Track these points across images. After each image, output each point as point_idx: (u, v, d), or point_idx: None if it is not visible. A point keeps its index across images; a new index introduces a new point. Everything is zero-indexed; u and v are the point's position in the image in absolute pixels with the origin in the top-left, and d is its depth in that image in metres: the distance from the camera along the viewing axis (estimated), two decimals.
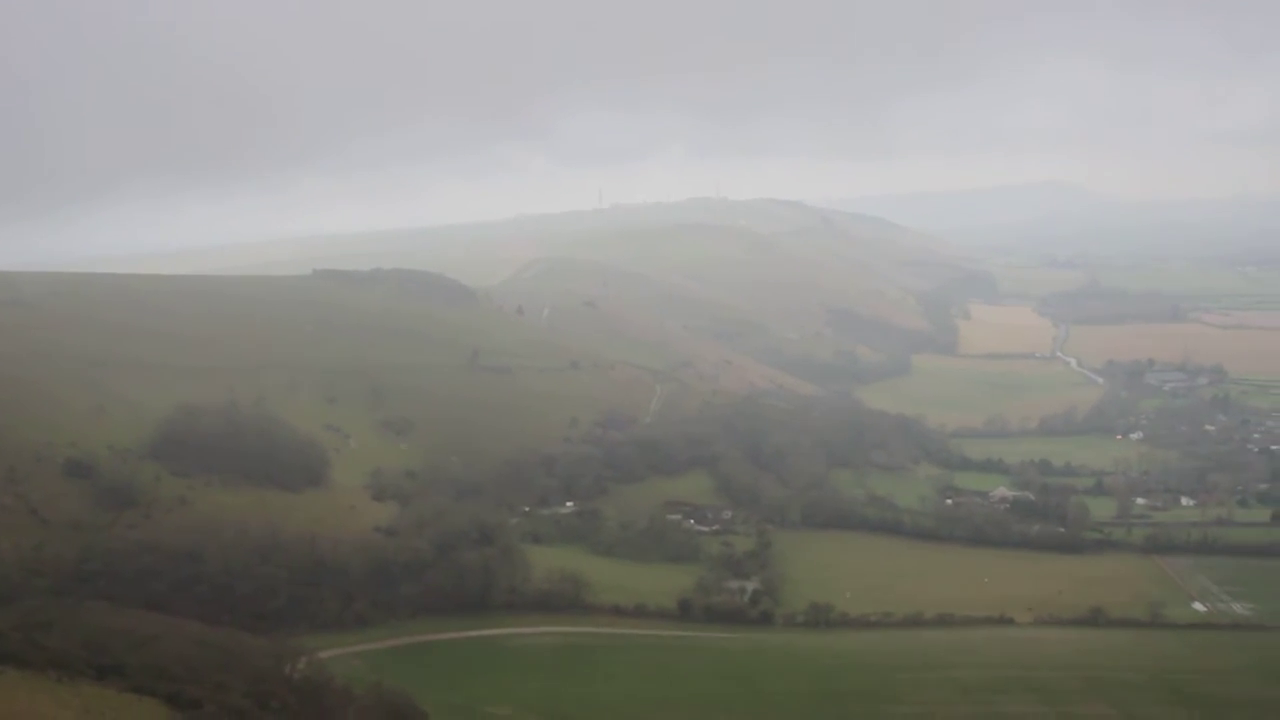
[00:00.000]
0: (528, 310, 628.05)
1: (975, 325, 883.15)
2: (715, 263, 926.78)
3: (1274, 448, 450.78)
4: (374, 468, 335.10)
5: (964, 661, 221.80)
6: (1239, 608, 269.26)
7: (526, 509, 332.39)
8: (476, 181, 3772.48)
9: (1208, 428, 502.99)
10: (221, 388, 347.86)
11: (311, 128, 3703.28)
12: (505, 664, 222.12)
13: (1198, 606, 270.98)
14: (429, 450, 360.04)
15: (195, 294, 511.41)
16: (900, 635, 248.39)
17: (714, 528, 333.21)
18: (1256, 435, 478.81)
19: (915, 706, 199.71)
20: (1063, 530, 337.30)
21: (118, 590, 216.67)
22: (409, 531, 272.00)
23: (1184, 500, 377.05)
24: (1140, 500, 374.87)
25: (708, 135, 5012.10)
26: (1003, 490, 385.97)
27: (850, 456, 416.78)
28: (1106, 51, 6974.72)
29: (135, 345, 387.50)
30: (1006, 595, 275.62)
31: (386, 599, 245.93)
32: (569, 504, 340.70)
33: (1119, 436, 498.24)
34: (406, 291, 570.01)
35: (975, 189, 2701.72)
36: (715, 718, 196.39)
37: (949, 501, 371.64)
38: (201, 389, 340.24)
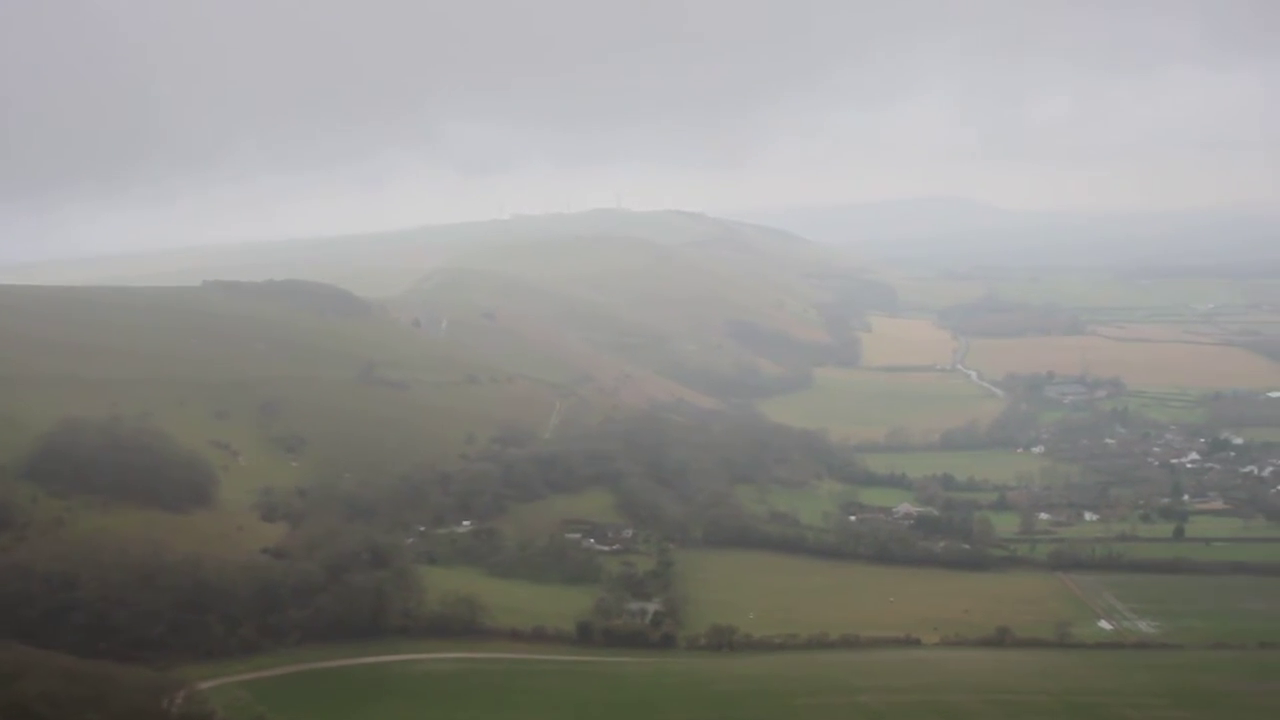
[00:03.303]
0: (426, 323, 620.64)
1: (876, 338, 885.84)
2: (617, 274, 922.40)
3: (1174, 461, 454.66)
4: (264, 486, 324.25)
5: (870, 685, 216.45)
6: (1145, 625, 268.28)
7: (422, 529, 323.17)
8: (375, 192, 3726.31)
9: (1108, 441, 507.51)
10: (104, 402, 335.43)
11: (196, 135, 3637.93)
12: (399, 692, 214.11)
13: (1104, 625, 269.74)
14: (321, 468, 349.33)
15: (77, 303, 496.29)
16: (805, 658, 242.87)
17: (614, 547, 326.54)
18: (1156, 448, 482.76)
19: None
20: (967, 547, 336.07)
21: None
22: (299, 553, 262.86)
23: (1087, 515, 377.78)
24: (1043, 515, 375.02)
25: (596, 143, 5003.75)
26: (907, 506, 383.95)
27: (752, 472, 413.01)
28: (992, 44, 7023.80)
29: (11, 356, 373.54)
30: (913, 615, 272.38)
31: (274, 624, 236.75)
32: (466, 523, 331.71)
33: (1020, 450, 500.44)
34: (300, 304, 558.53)
35: (876, 202, 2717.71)
36: None
37: (853, 518, 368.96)
38: (83, 403, 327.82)
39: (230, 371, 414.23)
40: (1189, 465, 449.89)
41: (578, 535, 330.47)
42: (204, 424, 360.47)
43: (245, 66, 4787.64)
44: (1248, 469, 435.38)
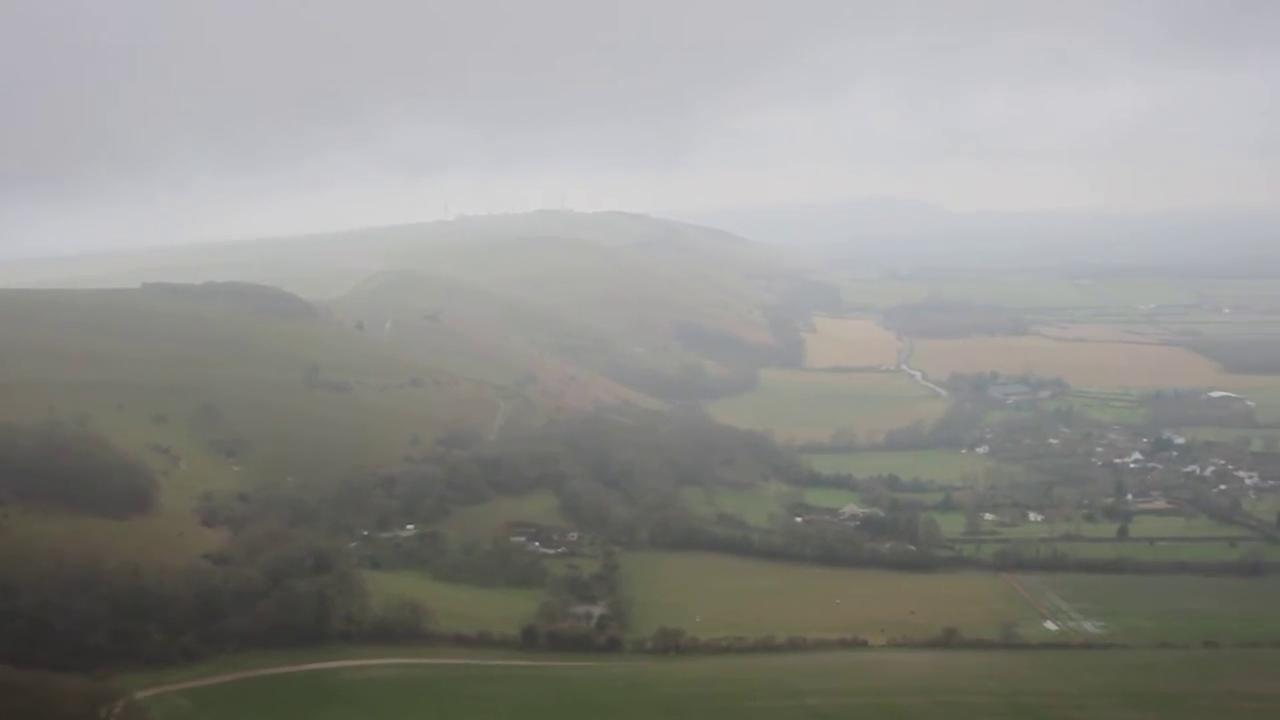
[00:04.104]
0: (369, 324, 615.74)
1: (821, 338, 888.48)
2: (561, 276, 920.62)
3: (1117, 461, 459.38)
4: (204, 491, 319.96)
5: (817, 688, 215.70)
6: (1090, 625, 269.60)
7: (365, 532, 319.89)
8: (318, 194, 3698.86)
9: (1052, 441, 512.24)
10: (41, 406, 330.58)
11: (137, 139, 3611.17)
12: (342, 699, 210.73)
13: (1049, 625, 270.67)
14: (263, 472, 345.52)
15: (12, 305, 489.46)
16: (752, 660, 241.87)
17: (560, 550, 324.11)
18: (1099, 448, 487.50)
19: None
20: (913, 548, 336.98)
21: None
22: (240, 559, 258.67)
23: (1031, 515, 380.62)
24: (988, 516, 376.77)
25: (540, 143, 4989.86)
26: (852, 507, 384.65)
27: (698, 474, 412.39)
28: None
29: None
30: (859, 616, 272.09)
31: (216, 631, 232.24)
32: (409, 527, 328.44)
33: (965, 450, 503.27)
34: (241, 305, 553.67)
35: (823, 202, 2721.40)
36: None
37: (799, 519, 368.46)
38: (19, 407, 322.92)
39: (170, 374, 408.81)
40: (1132, 465, 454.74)
41: (522, 538, 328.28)
42: (143, 428, 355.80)
43: (186, 70, 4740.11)
44: (1190, 468, 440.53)
